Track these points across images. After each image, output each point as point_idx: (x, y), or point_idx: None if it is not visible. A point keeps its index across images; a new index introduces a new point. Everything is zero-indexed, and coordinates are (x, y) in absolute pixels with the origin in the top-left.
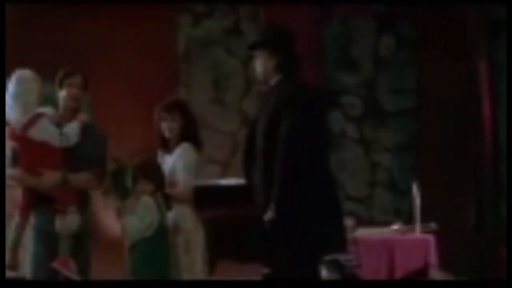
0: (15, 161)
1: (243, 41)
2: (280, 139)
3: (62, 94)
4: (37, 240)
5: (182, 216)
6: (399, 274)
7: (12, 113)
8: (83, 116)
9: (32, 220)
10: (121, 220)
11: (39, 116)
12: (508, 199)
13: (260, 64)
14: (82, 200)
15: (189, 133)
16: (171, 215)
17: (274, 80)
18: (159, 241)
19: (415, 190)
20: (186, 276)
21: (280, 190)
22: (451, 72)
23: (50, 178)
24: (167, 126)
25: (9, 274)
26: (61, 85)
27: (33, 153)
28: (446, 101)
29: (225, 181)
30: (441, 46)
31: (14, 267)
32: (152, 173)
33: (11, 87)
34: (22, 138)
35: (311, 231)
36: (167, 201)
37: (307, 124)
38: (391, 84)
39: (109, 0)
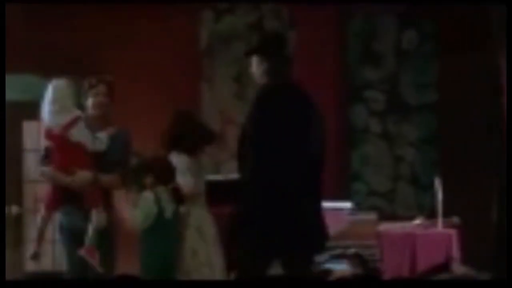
0: (47, 160)
1: None
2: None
3: (88, 103)
4: (64, 235)
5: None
6: (421, 268)
7: (49, 116)
8: (111, 129)
9: (60, 216)
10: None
11: (78, 118)
12: (508, 200)
13: (254, 68)
14: (107, 199)
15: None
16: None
17: (264, 81)
18: (159, 233)
19: (438, 184)
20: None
21: (240, 189)
22: (472, 67)
23: (83, 177)
24: None
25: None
26: (87, 95)
27: (68, 153)
28: (468, 95)
29: None
30: (463, 40)
31: (37, 257)
32: (153, 167)
33: (47, 94)
34: (60, 138)
35: (268, 228)
36: (175, 196)
37: (258, 123)
38: (414, 78)
39: None
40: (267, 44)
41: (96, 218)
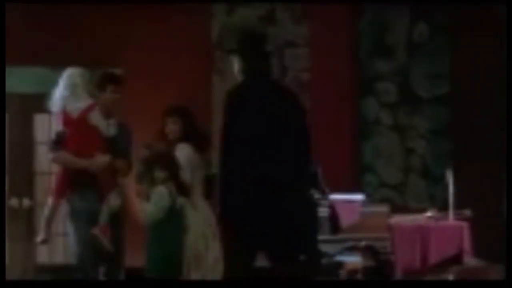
0: (59, 145)
1: (279, 28)
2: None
3: (105, 95)
4: (77, 219)
5: (190, 210)
6: (433, 260)
7: (62, 101)
8: (115, 118)
9: (72, 199)
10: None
11: (95, 104)
12: (508, 199)
13: (234, 66)
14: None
15: (188, 134)
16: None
17: (241, 78)
18: (169, 223)
19: (449, 176)
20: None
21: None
22: (484, 58)
23: (101, 160)
24: (169, 129)
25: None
26: (104, 87)
27: (85, 136)
28: (479, 87)
29: None
30: (474, 31)
31: (46, 242)
32: (164, 162)
33: (60, 81)
34: (78, 122)
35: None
36: (181, 189)
37: (229, 124)
38: (425, 70)
39: None
40: (242, 43)
41: (111, 200)
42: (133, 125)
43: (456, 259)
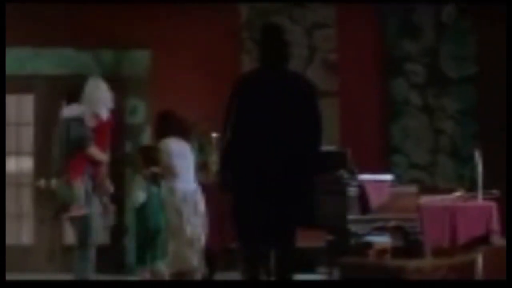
0: (88, 142)
1: (307, 10)
2: None
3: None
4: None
5: (166, 193)
6: (461, 240)
7: (96, 108)
8: None
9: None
10: None
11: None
12: (508, 197)
13: None
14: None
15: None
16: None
17: (257, 66)
18: (148, 205)
19: (477, 157)
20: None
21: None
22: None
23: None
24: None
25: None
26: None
27: (108, 137)
28: (507, 68)
29: None
30: (501, 13)
31: (75, 219)
32: (144, 154)
33: (86, 89)
34: (106, 125)
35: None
36: (154, 178)
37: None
38: (453, 51)
39: None
40: (259, 33)
41: (107, 186)
42: (164, 104)
43: (485, 239)
